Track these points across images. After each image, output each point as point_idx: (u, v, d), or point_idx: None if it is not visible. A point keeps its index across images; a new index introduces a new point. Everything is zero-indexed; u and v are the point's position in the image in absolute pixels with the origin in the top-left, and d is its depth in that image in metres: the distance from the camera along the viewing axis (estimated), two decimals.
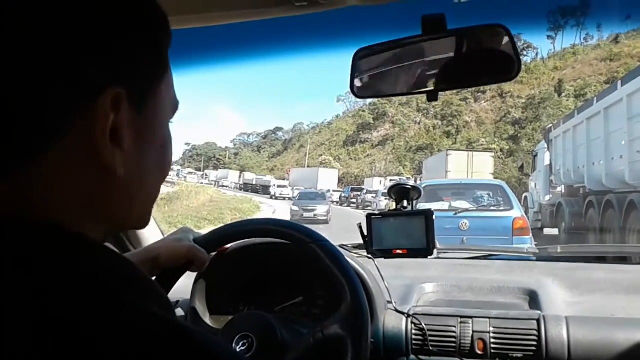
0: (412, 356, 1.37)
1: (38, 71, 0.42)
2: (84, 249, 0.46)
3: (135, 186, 0.53)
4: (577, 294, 1.52)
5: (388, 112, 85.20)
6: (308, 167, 75.32)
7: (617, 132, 8.92)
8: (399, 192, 1.45)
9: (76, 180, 0.47)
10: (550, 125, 14.54)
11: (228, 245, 1.24)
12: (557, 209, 12.34)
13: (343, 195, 42.87)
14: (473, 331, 1.33)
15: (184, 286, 1.20)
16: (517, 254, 2.15)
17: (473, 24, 0.97)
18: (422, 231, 1.33)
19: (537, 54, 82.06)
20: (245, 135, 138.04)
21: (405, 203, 1.43)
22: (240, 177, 71.27)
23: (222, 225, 1.24)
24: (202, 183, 55.75)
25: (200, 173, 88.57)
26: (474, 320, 1.34)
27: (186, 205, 24.47)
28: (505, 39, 0.95)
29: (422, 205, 1.48)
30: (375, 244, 1.37)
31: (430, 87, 1.03)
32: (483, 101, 75.84)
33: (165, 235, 1.14)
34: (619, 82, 9.32)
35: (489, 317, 1.34)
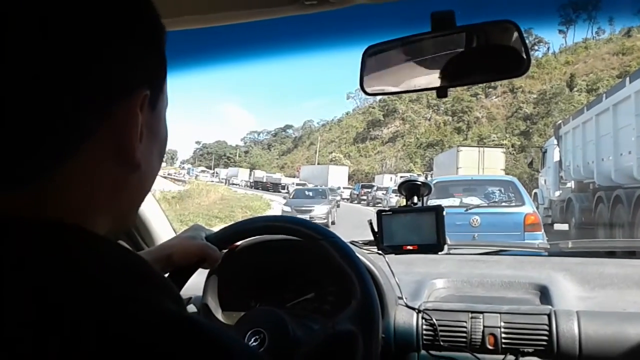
0: (423, 351, 1.37)
1: (70, 75, 0.43)
2: (99, 247, 0.47)
3: (147, 180, 0.55)
4: (588, 288, 1.52)
5: (398, 108, 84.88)
6: (318, 164, 75.29)
7: (626, 128, 9.04)
8: (409, 188, 1.45)
9: (98, 179, 0.48)
10: (560, 121, 14.62)
11: (238, 243, 1.25)
12: (567, 205, 12.47)
13: (353, 192, 42.77)
14: (484, 326, 1.33)
15: (196, 283, 1.21)
16: (528, 250, 2.14)
17: (482, 20, 0.97)
18: (432, 227, 1.33)
19: (548, 49, 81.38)
20: (256, 133, 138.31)
21: (415, 199, 1.43)
22: (250, 175, 71.39)
23: (233, 222, 1.25)
24: (212, 181, 55.86)
25: (211, 171, 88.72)
26: (484, 315, 1.35)
27: (197, 203, 24.55)
28: (515, 35, 0.95)
29: (433, 202, 1.48)
30: (385, 240, 1.38)
31: (440, 84, 1.03)
32: (494, 97, 75.32)
33: (178, 233, 1.15)
34: (627, 79, 9.43)
35: (500, 312, 1.34)
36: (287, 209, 19.88)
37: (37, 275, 0.41)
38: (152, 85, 0.51)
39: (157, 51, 0.52)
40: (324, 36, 1.29)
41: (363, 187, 42.38)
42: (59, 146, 0.45)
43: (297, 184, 45.10)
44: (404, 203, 1.45)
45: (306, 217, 16.46)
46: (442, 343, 1.35)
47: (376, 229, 1.39)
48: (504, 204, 8.15)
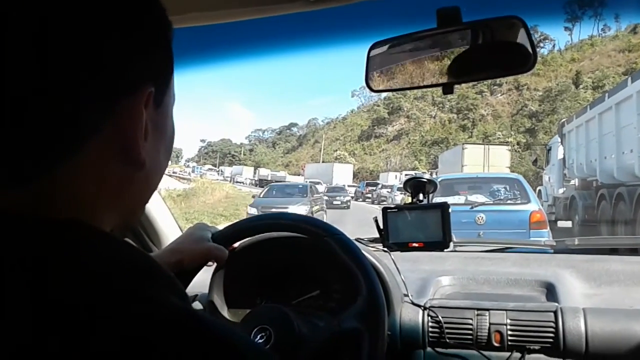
0: (429, 349, 1.37)
1: (74, 71, 0.43)
2: (104, 244, 0.47)
3: (153, 177, 0.55)
4: (595, 285, 1.51)
5: (403, 106, 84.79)
6: (323, 162, 75.28)
7: (628, 127, 9.22)
8: (414, 185, 1.45)
9: (105, 175, 0.48)
10: (564, 120, 14.75)
11: (237, 244, 1.26)
12: (570, 202, 12.60)
13: (358, 190, 42.75)
14: (490, 323, 1.33)
15: (202, 280, 1.21)
16: (534, 247, 2.13)
17: (488, 16, 0.97)
18: (438, 224, 1.33)
19: (554, 46, 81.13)
20: (260, 131, 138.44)
21: (420, 196, 1.43)
22: (255, 173, 71.47)
23: (238, 220, 1.26)
24: (217, 179, 55.93)
25: (216, 169, 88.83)
26: (490, 312, 1.34)
27: (202, 202, 24.60)
28: (521, 31, 0.94)
29: (438, 200, 1.47)
30: (391, 237, 1.38)
31: (446, 80, 1.02)
32: (499, 94, 75.12)
33: (183, 232, 1.15)
34: (629, 78, 9.66)
35: (506, 309, 1.34)
36: (253, 210, 16.00)
37: (39, 273, 0.41)
38: (157, 82, 0.51)
39: (163, 47, 0.52)
40: (328, 33, 1.29)
41: (368, 185, 42.36)
42: (63, 144, 0.44)
43: (310, 181, 41.53)
44: (409, 201, 1.45)
45: None
46: (448, 340, 1.35)
47: (381, 226, 1.39)
48: (509, 201, 8.13)
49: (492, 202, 8.15)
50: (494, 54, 1.01)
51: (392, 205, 1.41)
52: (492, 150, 23.84)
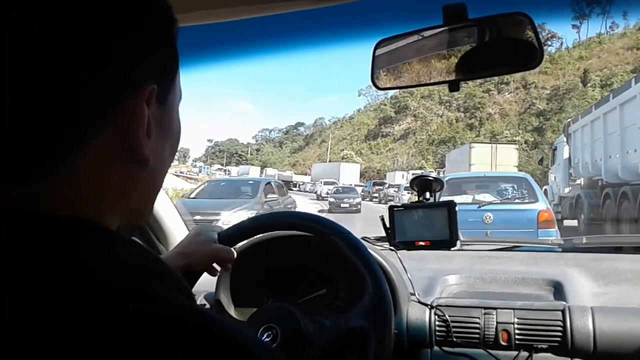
0: (436, 347, 1.37)
1: (75, 70, 0.43)
2: (112, 243, 0.47)
3: (157, 175, 0.55)
4: (603, 284, 1.50)
5: (410, 105, 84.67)
6: (330, 161, 75.30)
7: (632, 127, 9.38)
8: (421, 184, 1.45)
9: (107, 174, 0.48)
10: (569, 119, 14.99)
11: (240, 245, 1.26)
12: (576, 201, 12.74)
13: (365, 189, 42.72)
14: (497, 322, 1.32)
15: (209, 279, 1.21)
16: (541, 246, 2.12)
17: (494, 13, 0.96)
18: (444, 223, 1.33)
19: (561, 44, 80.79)
20: (267, 131, 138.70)
21: (427, 195, 1.43)
22: (261, 172, 71.62)
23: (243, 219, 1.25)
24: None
25: (224, 169, 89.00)
26: (498, 311, 1.34)
27: None
28: (528, 27, 0.94)
29: (445, 199, 1.47)
30: (397, 236, 1.37)
31: (452, 77, 1.02)
32: (506, 92, 74.87)
33: (188, 233, 1.15)
34: (633, 79, 9.84)
35: (513, 308, 1.33)
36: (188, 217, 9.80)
37: (41, 271, 0.41)
38: (161, 79, 0.50)
39: (167, 44, 0.52)
40: (334, 31, 1.29)
41: (375, 184, 42.34)
42: (64, 143, 0.44)
43: (325, 182, 38.98)
44: (416, 199, 1.44)
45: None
46: (455, 339, 1.35)
47: (388, 225, 1.38)
48: (517, 200, 8.09)
49: (499, 201, 8.11)
50: (500, 50, 1.00)
51: (399, 204, 1.41)
52: (499, 149, 23.78)
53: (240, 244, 1.33)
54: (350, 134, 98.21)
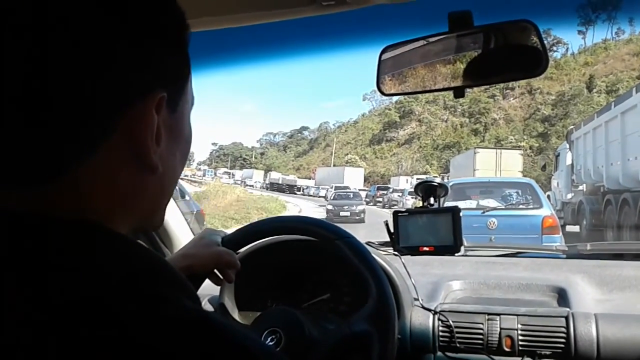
0: (439, 353, 1.37)
1: (89, 74, 0.43)
2: (118, 245, 0.47)
3: (167, 181, 0.54)
4: (607, 291, 1.50)
5: (414, 110, 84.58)
6: (334, 166, 75.21)
7: (633, 135, 9.67)
8: (425, 189, 1.45)
9: (115, 180, 0.48)
10: (572, 126, 15.21)
11: (243, 250, 1.26)
12: (578, 207, 12.94)
13: (369, 194, 42.70)
14: (501, 328, 1.32)
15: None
16: (545, 252, 2.12)
17: (500, 20, 0.97)
18: (449, 228, 1.33)
19: (567, 50, 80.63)
20: (272, 135, 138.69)
21: (432, 200, 1.43)
22: (266, 176, 71.63)
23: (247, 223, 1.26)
24: (228, 183, 56.23)
25: (230, 172, 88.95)
26: (501, 317, 1.34)
27: (214, 205, 24.61)
28: (533, 34, 0.94)
29: (449, 204, 1.47)
30: (401, 241, 1.38)
31: (457, 84, 1.02)
32: (511, 98, 74.72)
33: (192, 238, 1.15)
34: (634, 88, 10.16)
35: (517, 314, 1.33)
36: None
37: (44, 273, 0.41)
38: (171, 86, 0.51)
39: (179, 51, 0.52)
40: (340, 37, 1.29)
41: (379, 189, 42.36)
42: (74, 147, 0.45)
43: (336, 187, 34.56)
44: (420, 204, 1.44)
45: None
46: (458, 345, 1.35)
47: (392, 230, 1.39)
48: (521, 206, 8.07)
49: (504, 207, 8.09)
50: (505, 57, 1.00)
51: (403, 209, 1.41)
52: (504, 154, 23.74)
53: (245, 248, 1.33)
54: (354, 138, 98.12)
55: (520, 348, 1.30)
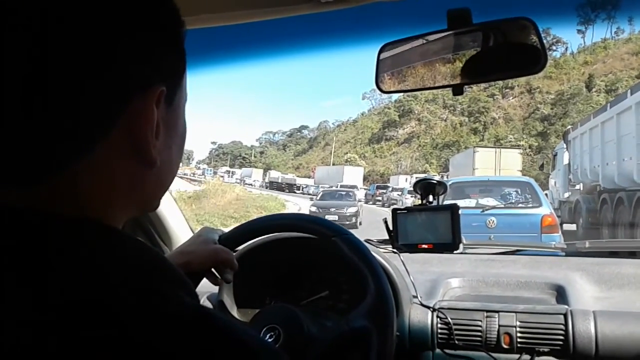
0: (438, 350, 1.37)
1: (88, 71, 0.44)
2: (118, 241, 0.47)
3: (165, 175, 0.55)
4: (605, 288, 1.50)
5: (414, 109, 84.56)
6: (333, 165, 75.19)
7: (627, 136, 9.93)
8: (424, 187, 1.45)
9: (115, 174, 0.49)
10: (569, 127, 15.57)
11: (241, 247, 1.27)
12: (575, 206, 13.17)
13: (368, 192, 42.67)
14: (499, 325, 1.32)
15: None
16: (544, 250, 2.12)
17: (499, 18, 0.97)
18: (447, 226, 1.33)
19: (566, 49, 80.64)
20: (271, 134, 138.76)
21: (430, 198, 1.43)
22: (265, 175, 71.60)
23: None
24: (230, 182, 56.20)
25: (230, 171, 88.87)
26: (500, 314, 1.34)
27: (213, 203, 24.59)
28: (532, 32, 0.94)
29: (448, 203, 1.47)
30: (400, 238, 1.38)
31: (456, 81, 1.02)
32: (511, 97, 74.73)
33: (191, 236, 1.16)
34: (629, 91, 10.41)
35: (516, 312, 1.33)
36: None
37: (44, 270, 0.41)
38: (169, 81, 0.51)
39: (176, 46, 0.52)
40: (339, 35, 1.29)
41: (378, 188, 42.32)
42: (75, 142, 0.45)
43: (342, 186, 33.05)
44: (419, 203, 1.44)
45: None
46: (457, 342, 1.35)
47: (391, 228, 1.39)
48: (520, 205, 8.08)
49: (503, 206, 8.10)
50: (504, 55, 1.00)
51: (402, 207, 1.41)
52: (503, 153, 23.76)
53: (243, 245, 1.34)
54: (354, 137, 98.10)
55: (518, 345, 1.30)
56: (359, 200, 22.17)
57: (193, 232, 1.73)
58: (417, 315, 1.39)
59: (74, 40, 0.43)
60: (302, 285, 1.40)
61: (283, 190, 54.05)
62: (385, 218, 1.43)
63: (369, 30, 1.25)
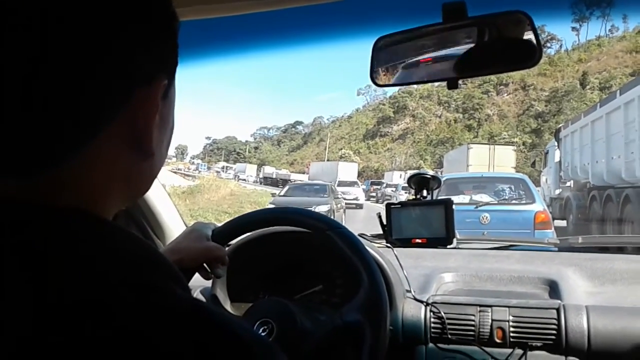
0: (431, 344, 1.37)
1: (89, 59, 0.43)
2: (112, 235, 0.47)
3: (157, 166, 0.56)
4: (598, 284, 1.51)
5: (408, 105, 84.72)
6: (328, 160, 75.23)
7: (616, 135, 10.14)
8: (418, 181, 1.45)
9: (114, 165, 0.49)
10: (561, 125, 15.78)
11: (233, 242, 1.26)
12: (565, 202, 13.46)
13: (363, 188, 42.75)
14: (492, 320, 1.33)
15: None
16: (537, 245, 2.13)
17: (494, 12, 0.97)
18: (441, 220, 1.33)
19: (560, 46, 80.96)
20: (266, 129, 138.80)
21: (424, 193, 1.43)
22: (259, 170, 71.62)
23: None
24: (228, 177, 56.09)
25: (230, 166, 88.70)
26: (493, 309, 1.34)
27: (207, 199, 24.55)
28: (527, 26, 0.94)
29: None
30: (394, 233, 1.38)
31: (451, 75, 1.02)
32: (505, 94, 74.95)
33: (183, 231, 1.15)
34: (618, 91, 10.69)
35: (509, 306, 1.34)
36: None
37: (42, 264, 0.41)
38: (169, 75, 0.51)
39: (173, 39, 0.52)
40: (334, 28, 1.29)
41: (372, 183, 42.45)
42: (76, 133, 0.44)
43: (346, 185, 29.08)
44: (413, 198, 1.45)
45: None
46: (450, 336, 1.35)
47: (385, 222, 1.39)
48: (514, 201, 8.11)
49: (496, 202, 8.13)
50: (499, 48, 1.00)
51: (396, 202, 1.41)
52: (497, 150, 23.80)
53: (236, 239, 1.33)
54: (348, 133, 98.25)
55: (511, 339, 1.30)
56: (339, 196, 18.45)
57: (187, 226, 1.72)
58: (411, 310, 1.39)
59: (73, 34, 0.42)
60: (295, 280, 1.40)
61: (277, 186, 53.91)
62: (379, 212, 1.43)
63: (363, 23, 1.25)
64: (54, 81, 0.42)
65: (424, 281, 1.54)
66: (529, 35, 0.94)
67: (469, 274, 1.61)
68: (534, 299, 1.39)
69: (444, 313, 1.36)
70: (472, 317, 1.35)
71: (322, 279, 1.39)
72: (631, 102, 9.54)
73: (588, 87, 61.73)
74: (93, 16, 0.43)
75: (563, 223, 13.16)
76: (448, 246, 1.38)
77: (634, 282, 1.49)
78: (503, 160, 22.98)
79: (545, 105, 65.80)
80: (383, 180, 44.92)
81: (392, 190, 32.12)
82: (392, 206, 1.39)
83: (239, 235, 1.25)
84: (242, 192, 31.71)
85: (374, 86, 1.11)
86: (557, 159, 14.29)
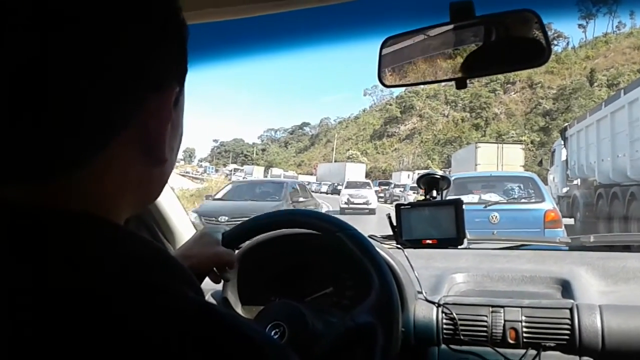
0: (443, 345, 1.37)
1: (107, 67, 0.43)
2: (123, 238, 0.47)
3: (167, 173, 0.56)
4: (611, 282, 1.49)
5: (415, 105, 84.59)
6: (335, 161, 75.24)
7: (621, 134, 10.33)
8: (428, 182, 1.45)
9: (126, 172, 0.49)
10: (567, 124, 16.07)
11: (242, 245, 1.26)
12: (572, 201, 13.64)
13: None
14: (505, 320, 1.32)
15: None
16: (549, 244, 2.12)
17: (502, 10, 0.96)
18: (451, 221, 1.33)
19: (567, 43, 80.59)
20: (273, 131, 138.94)
21: (434, 193, 1.42)
22: (267, 172, 71.76)
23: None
24: (230, 179, 56.29)
25: (241, 168, 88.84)
26: (505, 309, 1.33)
27: None
28: (535, 24, 0.94)
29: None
30: (404, 234, 1.37)
31: (459, 75, 1.02)
32: (512, 92, 74.67)
33: (192, 235, 1.15)
34: (622, 90, 10.90)
35: (521, 306, 1.33)
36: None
37: (45, 265, 0.41)
38: (181, 82, 0.52)
39: (183, 46, 0.52)
40: (341, 29, 1.28)
41: (380, 184, 42.37)
42: (89, 140, 0.44)
43: (349, 180, 27.83)
44: (422, 199, 1.44)
45: None
46: (462, 337, 1.34)
47: (395, 223, 1.38)
48: (523, 200, 8.07)
49: (506, 201, 8.08)
50: (507, 47, 1.00)
51: (406, 203, 1.41)
52: (505, 149, 23.75)
53: (246, 242, 1.33)
54: (355, 133, 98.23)
55: (524, 340, 1.29)
56: (309, 198, 14.33)
57: (196, 229, 1.73)
58: (422, 311, 1.38)
59: (78, 40, 0.42)
60: (306, 282, 1.40)
61: None
62: (389, 214, 1.42)
63: (371, 24, 1.24)
64: (60, 91, 0.41)
65: (435, 282, 1.54)
66: (537, 34, 0.94)
67: (480, 274, 1.60)
68: (546, 299, 1.38)
69: (456, 314, 1.35)
70: (485, 318, 1.34)
71: (332, 281, 1.38)
72: (635, 102, 9.67)
73: (596, 84, 61.43)
74: (99, 25, 0.43)
75: (570, 221, 13.19)
76: (459, 247, 1.37)
77: None
78: (511, 159, 22.92)
79: (553, 103, 65.55)
80: (391, 181, 44.96)
81: (400, 191, 32.09)
82: (402, 207, 1.38)
83: (249, 239, 1.26)
84: None
85: (380, 86, 1.11)
86: (563, 157, 14.41)
